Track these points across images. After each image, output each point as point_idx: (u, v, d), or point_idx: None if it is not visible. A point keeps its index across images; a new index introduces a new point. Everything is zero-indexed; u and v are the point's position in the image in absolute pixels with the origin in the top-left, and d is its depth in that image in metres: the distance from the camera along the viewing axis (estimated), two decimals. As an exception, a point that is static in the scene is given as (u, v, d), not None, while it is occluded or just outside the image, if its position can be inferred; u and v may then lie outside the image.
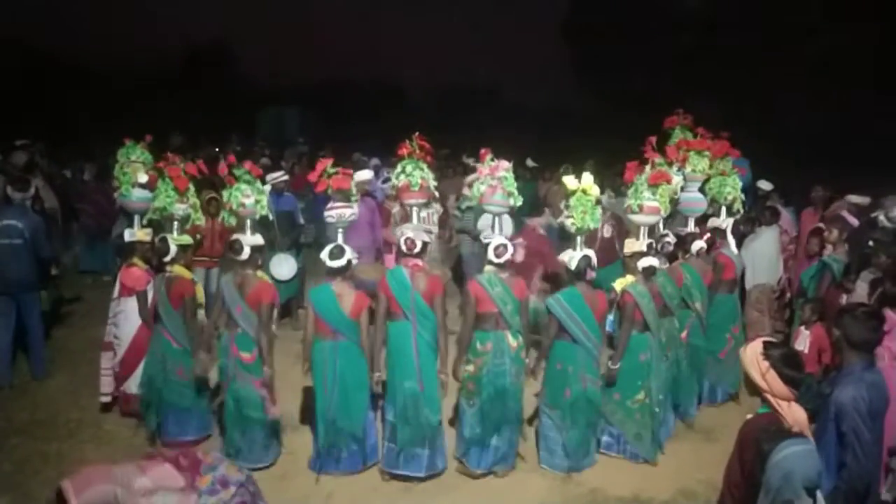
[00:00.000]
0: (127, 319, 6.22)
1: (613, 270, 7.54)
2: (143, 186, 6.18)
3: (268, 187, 8.51)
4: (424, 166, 5.79)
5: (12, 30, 26.44)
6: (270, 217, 7.33)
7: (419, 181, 5.70)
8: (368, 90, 32.76)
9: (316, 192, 5.98)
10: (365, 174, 8.61)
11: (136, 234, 6.29)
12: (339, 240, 5.54)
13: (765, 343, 3.27)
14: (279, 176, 8.88)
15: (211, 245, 8.16)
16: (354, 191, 5.91)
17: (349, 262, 5.39)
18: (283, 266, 8.25)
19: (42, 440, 6.02)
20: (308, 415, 6.02)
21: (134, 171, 6.25)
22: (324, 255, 5.41)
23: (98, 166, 11.34)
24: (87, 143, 13.82)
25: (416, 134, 5.84)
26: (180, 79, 30.16)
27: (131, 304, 6.15)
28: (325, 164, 5.69)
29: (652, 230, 6.26)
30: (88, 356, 7.25)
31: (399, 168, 5.81)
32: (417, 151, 5.79)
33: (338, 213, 5.62)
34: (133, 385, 6.16)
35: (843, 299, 6.18)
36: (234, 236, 5.62)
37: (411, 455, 5.39)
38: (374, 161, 13.65)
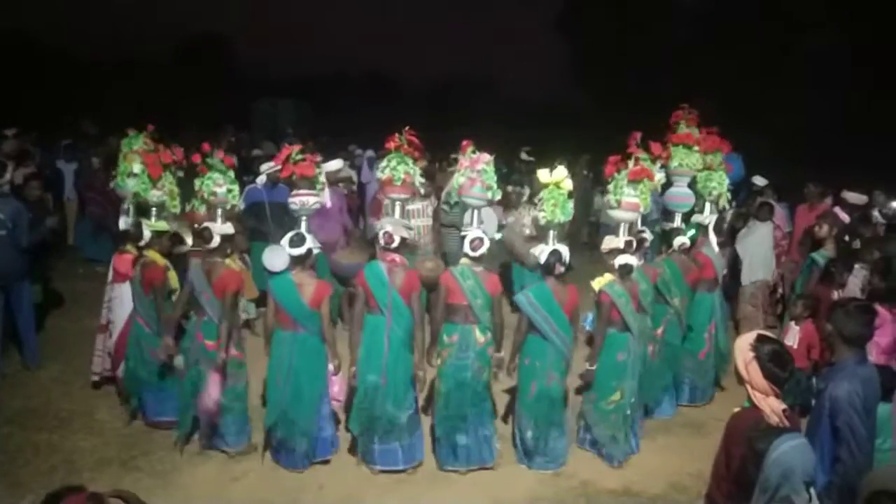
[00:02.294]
0: (121, 304, 6.26)
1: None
2: (134, 176, 6.17)
3: (263, 178, 8.55)
4: (410, 161, 5.75)
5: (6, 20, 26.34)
6: (240, 206, 7.37)
7: (402, 176, 5.65)
8: (364, 83, 32.74)
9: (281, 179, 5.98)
10: (334, 164, 8.58)
11: (129, 221, 6.31)
12: (302, 227, 5.52)
13: (759, 336, 3.29)
14: (272, 166, 8.84)
15: None
16: (322, 179, 5.90)
17: (310, 250, 5.37)
18: (277, 258, 8.20)
19: (33, 430, 6.01)
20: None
21: (129, 161, 6.25)
22: (284, 242, 5.38)
23: (103, 155, 11.30)
24: (79, 134, 13.74)
25: (406, 128, 5.80)
26: (174, 70, 30.05)
27: (125, 289, 6.18)
28: (290, 150, 5.67)
29: (631, 227, 6.16)
30: (80, 346, 7.24)
31: (385, 161, 5.79)
32: (405, 146, 5.77)
33: (301, 200, 5.58)
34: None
35: (835, 295, 6.20)
36: (205, 224, 5.68)
37: (379, 451, 5.40)
38: (369, 152, 13.66)
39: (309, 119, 24.71)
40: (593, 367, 5.74)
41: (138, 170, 6.13)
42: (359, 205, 12.35)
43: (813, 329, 6.27)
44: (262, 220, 8.28)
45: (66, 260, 10.88)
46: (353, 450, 5.67)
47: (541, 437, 5.55)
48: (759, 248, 8.50)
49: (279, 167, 9.05)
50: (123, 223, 6.39)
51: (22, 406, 6.45)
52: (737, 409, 3.42)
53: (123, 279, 6.20)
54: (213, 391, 5.44)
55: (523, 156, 14.40)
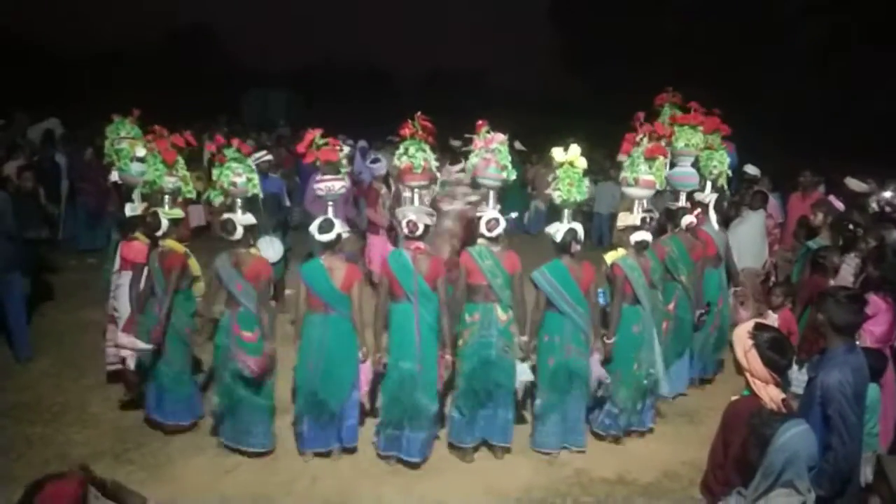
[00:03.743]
0: (126, 293, 6.13)
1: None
2: (141, 160, 6.06)
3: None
4: (427, 147, 5.72)
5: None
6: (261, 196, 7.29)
7: (422, 163, 5.62)
8: (354, 73, 32.62)
9: (301, 173, 5.91)
10: None
11: (136, 208, 6.21)
12: (329, 213, 5.48)
13: (757, 324, 3.29)
14: (263, 156, 8.78)
15: None
16: (345, 164, 5.84)
17: (339, 235, 5.35)
18: (269, 249, 8.16)
19: (26, 423, 5.99)
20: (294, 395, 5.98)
21: (132, 145, 6.16)
22: (313, 228, 5.35)
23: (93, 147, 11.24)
24: (70, 125, 13.69)
25: (419, 114, 5.72)
26: (163, 59, 29.89)
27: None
28: (314, 134, 5.58)
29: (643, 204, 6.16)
30: (73, 338, 7.22)
31: (402, 149, 5.70)
32: (420, 132, 5.71)
33: (327, 185, 5.54)
34: (130, 359, 6.06)
35: (831, 283, 6.21)
36: (226, 216, 5.54)
37: (409, 439, 5.39)
38: (361, 143, 13.62)
39: (300, 110, 24.64)
40: (611, 342, 5.77)
41: (143, 154, 5.99)
42: (353, 195, 12.31)
43: (791, 317, 6.30)
44: (254, 211, 8.22)
45: (58, 252, 10.82)
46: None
47: (556, 408, 5.60)
48: (749, 236, 8.51)
49: (269, 156, 9.11)
50: (130, 210, 6.23)
51: (14, 399, 6.42)
52: (735, 398, 3.43)
53: (131, 267, 6.08)
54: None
55: (517, 145, 14.40)
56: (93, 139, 11.64)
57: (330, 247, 5.37)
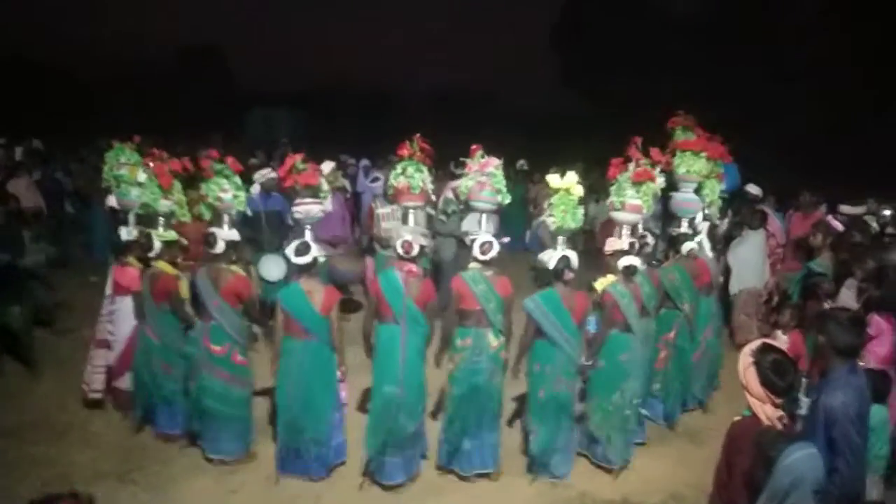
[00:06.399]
0: (123, 317, 6.20)
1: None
2: (140, 185, 6.13)
3: (257, 186, 8.54)
4: (424, 169, 5.75)
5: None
6: (248, 213, 7.35)
7: (420, 184, 5.67)
8: (359, 93, 32.75)
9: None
10: (326, 167, 8.48)
11: (131, 232, 6.26)
12: (307, 236, 5.50)
13: (764, 344, 3.30)
14: (268, 173, 8.82)
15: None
16: (325, 187, 5.89)
17: (315, 259, 5.37)
18: (273, 267, 8.19)
19: (30, 443, 5.98)
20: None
21: (131, 171, 6.23)
22: (289, 251, 5.37)
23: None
24: (75, 144, 13.78)
25: (417, 136, 5.78)
26: (169, 79, 30.06)
27: (126, 302, 6.14)
28: (295, 159, 5.64)
29: (634, 229, 6.18)
30: (75, 358, 7.20)
31: (399, 169, 5.74)
32: (418, 153, 5.76)
33: (305, 209, 5.57)
34: (127, 381, 6.19)
35: (827, 305, 6.20)
36: (210, 230, 5.63)
37: (388, 464, 5.35)
38: (364, 162, 13.69)
39: (303, 129, 24.78)
40: (589, 363, 5.71)
41: (143, 179, 6.08)
42: (354, 213, 12.38)
43: (800, 338, 6.25)
44: (257, 230, 8.26)
45: (64, 271, 10.82)
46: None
47: (550, 443, 5.52)
48: (749, 256, 8.53)
49: (273, 175, 9.15)
50: (126, 234, 6.30)
51: (18, 419, 6.41)
52: (737, 418, 3.43)
53: (125, 292, 6.14)
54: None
55: (519, 165, 14.47)
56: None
57: (307, 270, 5.36)
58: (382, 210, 8.58)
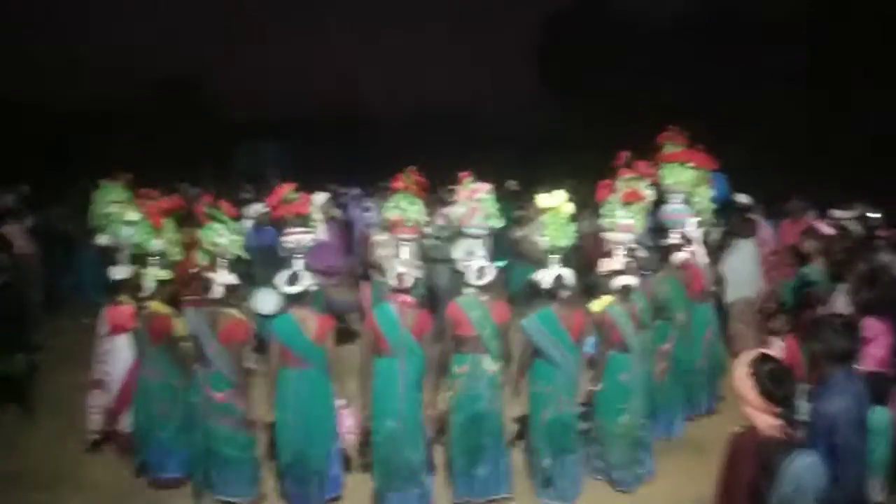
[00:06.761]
0: (118, 357, 6.17)
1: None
2: (131, 223, 6.13)
3: (249, 221, 8.54)
4: (418, 201, 5.76)
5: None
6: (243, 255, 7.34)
7: (413, 216, 5.66)
8: (341, 119, 32.82)
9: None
10: (320, 198, 8.53)
11: (123, 271, 6.25)
12: (298, 266, 5.48)
13: (762, 354, 3.30)
14: (260, 208, 8.82)
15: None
16: (315, 216, 5.88)
17: (306, 289, 5.34)
18: (268, 301, 8.17)
19: (29, 489, 5.93)
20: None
21: (123, 209, 6.21)
22: (280, 281, 5.34)
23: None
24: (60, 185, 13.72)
25: (412, 168, 5.79)
26: (152, 114, 30.04)
27: (120, 342, 6.11)
28: (284, 189, 5.64)
29: (627, 249, 6.16)
30: (72, 401, 7.13)
31: (393, 202, 5.75)
32: (412, 186, 5.75)
33: (296, 238, 5.54)
34: (126, 422, 6.13)
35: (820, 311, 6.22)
36: (206, 274, 5.60)
37: (395, 499, 5.29)
38: (355, 191, 13.72)
39: (290, 160, 24.82)
40: (596, 387, 5.69)
41: (135, 217, 6.08)
42: (347, 243, 12.36)
43: (795, 345, 6.23)
44: (250, 264, 8.23)
45: (55, 313, 10.78)
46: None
47: (557, 464, 5.48)
48: (742, 265, 8.54)
49: (266, 209, 9.16)
50: (119, 273, 6.29)
51: (16, 465, 6.36)
52: (737, 429, 3.42)
53: (120, 330, 6.11)
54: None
55: (508, 185, 14.47)
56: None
57: (298, 300, 5.34)
58: (378, 237, 8.59)
